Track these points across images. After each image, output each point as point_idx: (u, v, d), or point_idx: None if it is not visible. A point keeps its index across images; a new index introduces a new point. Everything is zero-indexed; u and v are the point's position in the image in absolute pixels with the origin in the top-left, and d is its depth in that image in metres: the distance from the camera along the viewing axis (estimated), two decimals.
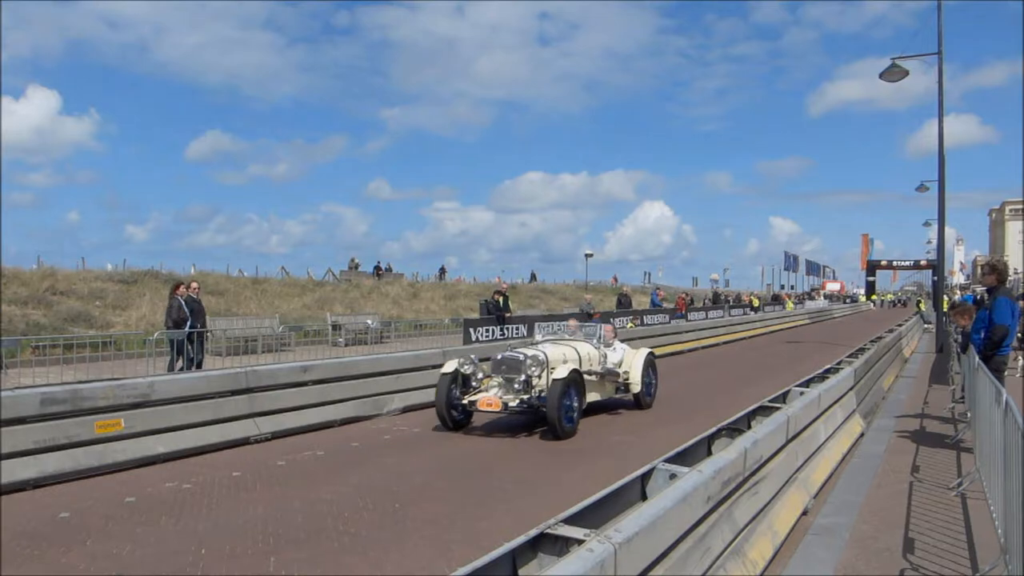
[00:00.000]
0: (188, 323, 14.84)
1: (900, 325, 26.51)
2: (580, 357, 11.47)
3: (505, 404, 10.20)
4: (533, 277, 58.88)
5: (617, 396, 12.55)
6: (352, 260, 46.88)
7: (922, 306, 51.18)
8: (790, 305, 55.77)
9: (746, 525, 5.01)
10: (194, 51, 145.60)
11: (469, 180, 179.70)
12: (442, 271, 52.95)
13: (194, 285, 15.52)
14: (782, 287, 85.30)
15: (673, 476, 4.39)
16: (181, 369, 14.43)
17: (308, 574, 5.32)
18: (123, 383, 8.82)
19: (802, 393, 7.79)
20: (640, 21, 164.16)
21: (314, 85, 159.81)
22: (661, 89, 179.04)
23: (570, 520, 3.54)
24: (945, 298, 27.64)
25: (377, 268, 46.54)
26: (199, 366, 14.74)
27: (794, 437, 6.61)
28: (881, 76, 20.02)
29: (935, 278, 41.28)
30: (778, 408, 6.79)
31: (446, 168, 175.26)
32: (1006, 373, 9.50)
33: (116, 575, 5.27)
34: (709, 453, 5.60)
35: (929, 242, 63.21)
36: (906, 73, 19.65)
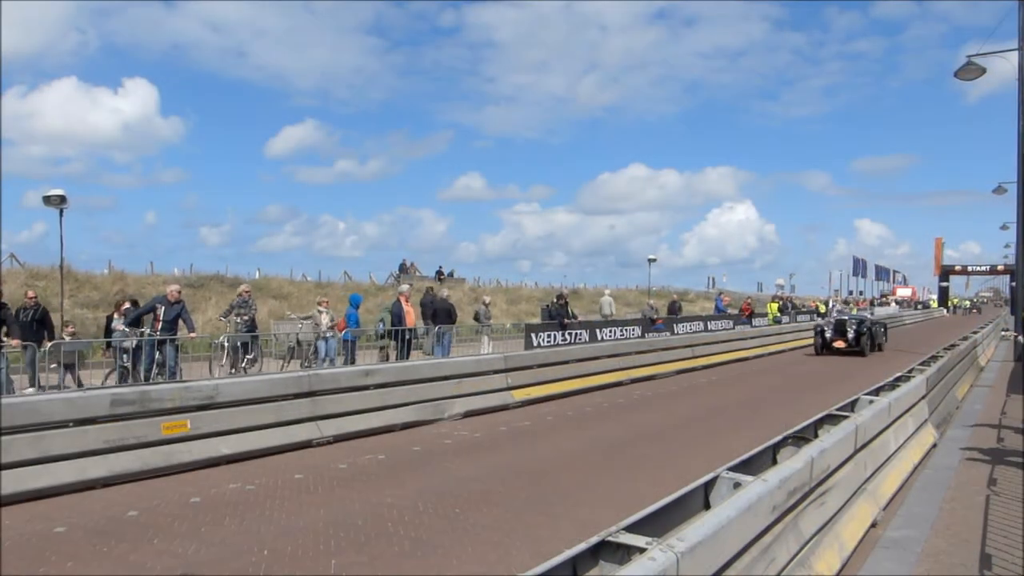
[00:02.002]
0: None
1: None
2: None
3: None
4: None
5: None
6: (403, 263, 47.03)
7: None
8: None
9: (812, 536, 4.87)
10: (290, 57, 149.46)
11: (554, 182, 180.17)
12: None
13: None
14: (850, 293, 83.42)
15: (737, 485, 4.28)
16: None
17: None
18: (189, 385, 9.00)
19: (871, 402, 7.56)
20: (758, 15, 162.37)
21: (406, 88, 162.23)
22: (764, 88, 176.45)
23: (632, 528, 3.46)
24: None
25: (439, 272, 46.76)
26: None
27: (863, 447, 6.42)
28: (957, 75, 19.38)
29: (1013, 283, 38.87)
30: (846, 417, 6.59)
31: (530, 170, 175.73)
32: None
33: (182, 574, 5.36)
34: (774, 462, 5.46)
35: (1007, 246, 61.09)
36: (983, 71, 18.97)
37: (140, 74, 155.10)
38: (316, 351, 16.54)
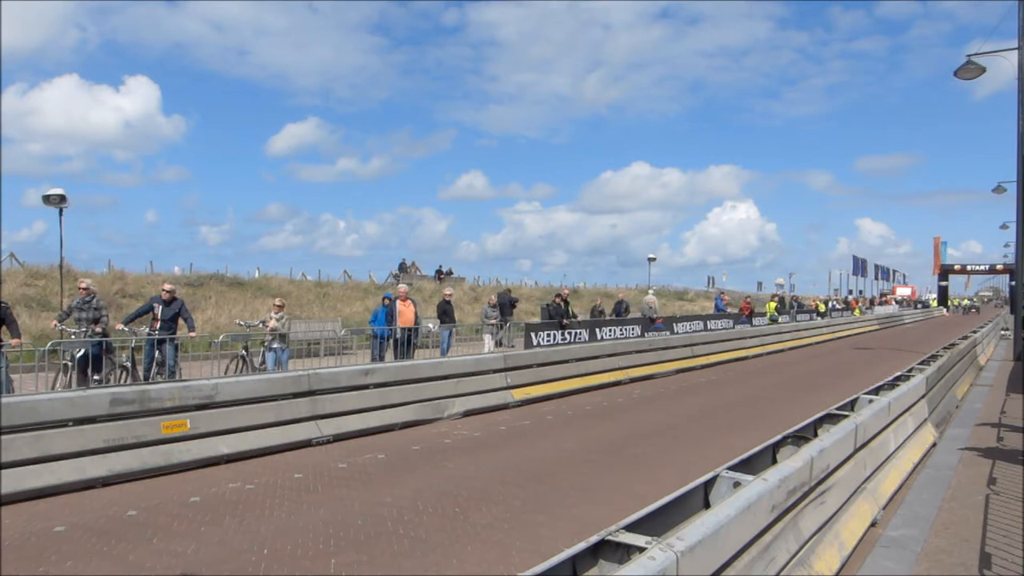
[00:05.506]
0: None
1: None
2: None
3: None
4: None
5: None
6: (403, 262, 47.10)
7: None
8: (858, 312, 54.81)
9: (812, 535, 4.87)
10: (292, 56, 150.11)
11: (556, 181, 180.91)
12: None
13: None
14: (850, 292, 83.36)
15: (737, 484, 4.28)
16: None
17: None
18: (188, 385, 8.99)
19: (871, 401, 7.56)
20: (761, 14, 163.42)
21: (408, 86, 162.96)
22: (767, 87, 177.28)
23: (631, 527, 3.46)
24: None
25: (439, 271, 46.79)
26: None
27: (863, 446, 6.42)
28: (956, 74, 19.38)
29: (1012, 283, 38.72)
30: (846, 416, 6.59)
31: (532, 169, 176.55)
32: None
33: (182, 574, 5.35)
34: (774, 461, 5.46)
35: (1007, 245, 61.20)
36: (983, 70, 18.96)
37: (142, 72, 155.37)
38: (264, 362, 14.61)
